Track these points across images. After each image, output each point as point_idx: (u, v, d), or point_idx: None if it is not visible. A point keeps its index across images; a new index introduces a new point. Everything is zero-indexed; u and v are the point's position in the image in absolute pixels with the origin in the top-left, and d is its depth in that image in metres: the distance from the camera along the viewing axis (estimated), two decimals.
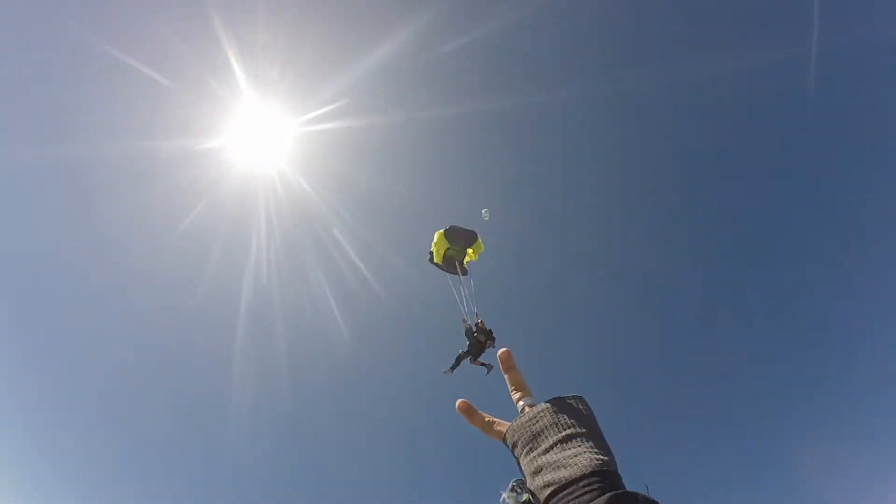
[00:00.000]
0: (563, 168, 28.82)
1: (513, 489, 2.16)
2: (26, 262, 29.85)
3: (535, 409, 0.95)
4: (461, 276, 9.74)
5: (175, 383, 30.64)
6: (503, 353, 1.08)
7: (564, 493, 0.80)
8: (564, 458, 0.84)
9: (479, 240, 9.81)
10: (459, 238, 9.67)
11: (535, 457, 0.88)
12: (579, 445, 0.86)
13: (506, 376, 1.08)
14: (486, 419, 1.02)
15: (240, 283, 27.90)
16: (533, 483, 0.88)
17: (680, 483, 25.27)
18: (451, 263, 9.77)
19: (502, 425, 0.99)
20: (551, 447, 0.87)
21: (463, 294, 9.63)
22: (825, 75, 22.53)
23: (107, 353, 30.50)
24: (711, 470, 26.58)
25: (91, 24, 24.44)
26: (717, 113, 26.38)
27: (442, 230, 9.67)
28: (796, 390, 26.07)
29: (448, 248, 9.64)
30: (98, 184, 28.06)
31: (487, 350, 9.59)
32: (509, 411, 1.03)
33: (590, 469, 0.80)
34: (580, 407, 0.95)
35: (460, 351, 9.53)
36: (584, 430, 0.89)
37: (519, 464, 0.93)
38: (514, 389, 1.05)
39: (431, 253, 9.88)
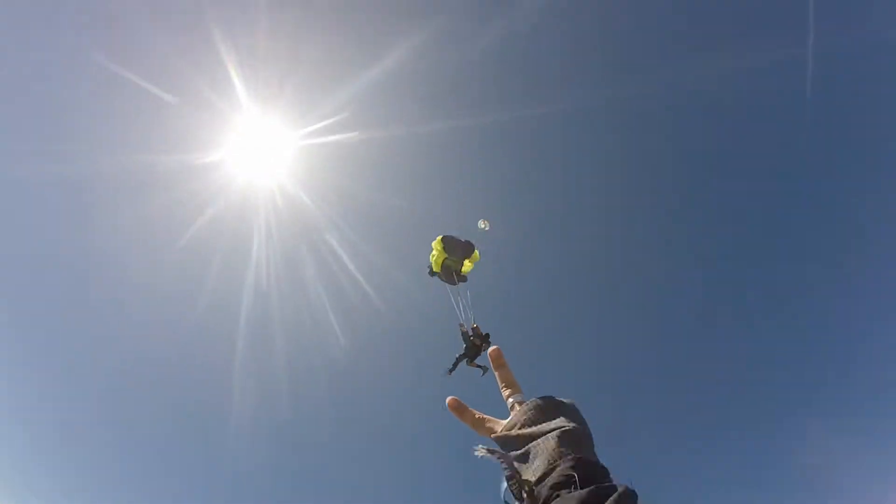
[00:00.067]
0: (563, 170, 29.17)
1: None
2: (27, 276, 29.96)
3: (524, 406, 0.97)
4: (458, 285, 10.03)
5: (175, 395, 30.56)
6: (493, 350, 1.12)
7: (547, 483, 0.81)
8: (548, 451, 0.86)
9: (476, 251, 10.07)
10: (457, 248, 9.97)
11: (523, 449, 0.90)
12: (564, 440, 0.88)
13: (496, 374, 1.10)
14: (477, 416, 1.04)
15: (240, 295, 27.96)
16: (521, 475, 0.89)
17: (680, 483, 25.35)
18: (449, 272, 10.03)
19: (492, 422, 1.01)
20: (538, 441, 0.89)
21: (460, 301, 10.02)
22: (823, 75, 22.91)
23: (107, 366, 30.43)
24: (711, 470, 26.59)
25: (91, 38, 24.92)
26: (716, 114, 26.73)
27: (440, 237, 9.97)
28: (796, 390, 26.18)
29: (446, 258, 9.90)
30: (98, 198, 28.34)
31: (483, 352, 9.91)
32: (505, 410, 1.06)
33: (572, 461, 0.82)
34: (568, 403, 0.98)
35: (457, 354, 9.96)
36: (572, 425, 0.91)
37: (507, 459, 0.94)
38: (505, 386, 1.07)
39: (430, 265, 10.21)
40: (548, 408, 0.96)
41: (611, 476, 0.84)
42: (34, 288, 30.10)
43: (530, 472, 0.87)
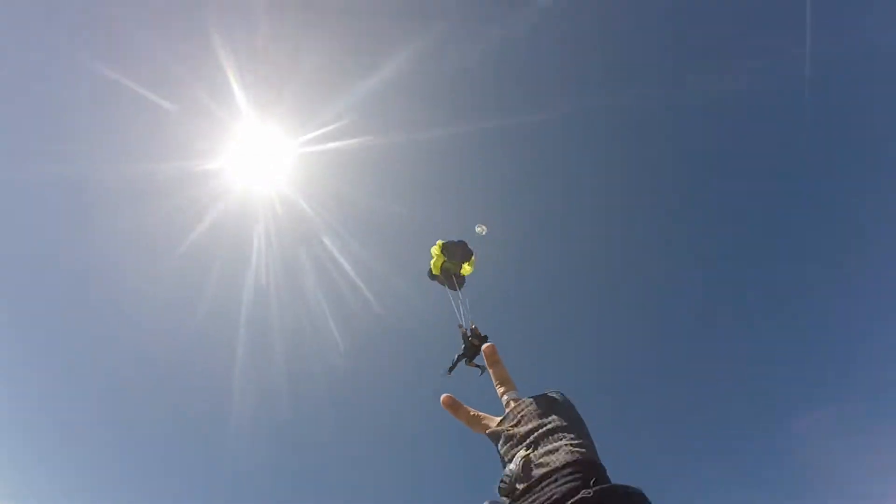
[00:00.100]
0: (562, 173, 29.39)
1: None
2: (28, 281, 30.09)
3: (519, 404, 0.96)
4: (458, 288, 10.40)
5: (176, 399, 30.65)
6: (487, 347, 1.11)
7: (545, 483, 0.79)
8: (546, 451, 0.85)
9: (475, 256, 10.39)
10: (456, 252, 10.30)
11: (518, 449, 0.88)
12: (561, 438, 0.86)
13: (490, 371, 1.10)
14: (472, 413, 1.03)
15: (239, 301, 28.04)
16: (515, 474, 0.87)
17: (680, 483, 25.43)
18: (448, 276, 10.37)
19: (487, 419, 1.00)
20: (534, 441, 0.88)
21: (459, 303, 10.41)
22: (821, 75, 23.15)
23: (108, 370, 30.53)
24: (711, 470, 26.63)
25: (91, 46, 25.09)
26: (715, 114, 26.96)
27: (440, 242, 10.28)
28: (796, 390, 26.28)
29: (445, 262, 10.21)
30: (99, 205, 28.47)
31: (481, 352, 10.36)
32: (500, 407, 1.04)
33: (571, 460, 0.81)
34: (563, 400, 0.97)
35: (456, 354, 10.29)
36: (566, 423, 0.90)
37: (502, 457, 0.93)
38: (499, 384, 1.06)
39: (430, 269, 10.53)
40: (543, 405, 0.95)
41: (608, 475, 0.83)
42: (35, 293, 30.31)
43: (525, 474, 0.85)
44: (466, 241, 10.46)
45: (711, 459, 26.74)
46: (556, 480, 0.79)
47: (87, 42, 25.20)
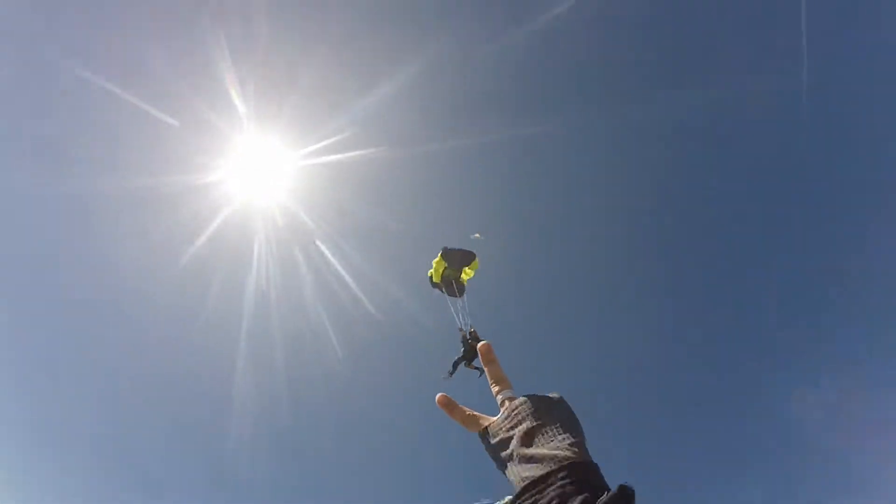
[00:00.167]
0: (564, 175, 29.50)
1: None
2: (28, 294, 30.19)
3: (513, 403, 0.97)
4: (459, 295, 10.62)
5: (177, 409, 30.63)
6: (483, 346, 1.09)
7: (539, 487, 0.80)
8: (539, 452, 0.85)
9: (476, 259, 10.55)
10: (456, 259, 10.47)
11: (512, 450, 0.89)
12: (555, 438, 0.87)
13: (486, 370, 1.09)
14: (467, 413, 1.03)
15: (240, 314, 28.16)
16: (509, 476, 0.88)
17: (680, 483, 25.25)
18: (449, 282, 10.56)
19: (483, 419, 1.00)
20: (529, 441, 0.88)
21: (458, 307, 10.67)
22: (818, 76, 23.20)
23: (109, 381, 30.65)
24: (711, 470, 26.38)
25: (90, 61, 25.41)
26: (713, 115, 26.96)
27: (440, 253, 10.44)
28: (796, 391, 25.89)
29: (445, 269, 10.38)
30: (100, 218, 28.73)
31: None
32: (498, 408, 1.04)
33: (566, 462, 0.81)
34: (557, 399, 0.97)
35: (456, 357, 10.47)
36: (560, 422, 0.90)
37: (496, 457, 0.94)
38: (494, 383, 1.06)
39: (430, 277, 10.70)
40: (537, 404, 0.95)
41: (601, 473, 0.84)
42: (36, 305, 30.43)
43: (520, 475, 0.86)
44: (468, 249, 10.61)
45: (711, 459, 26.57)
46: (551, 483, 0.79)
47: (86, 57, 25.57)
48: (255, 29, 24.99)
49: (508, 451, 0.89)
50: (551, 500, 0.77)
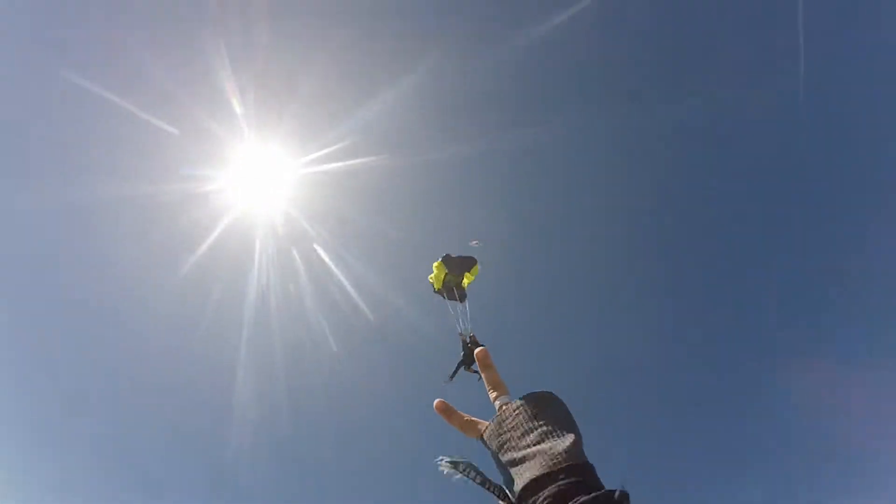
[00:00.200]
0: (563, 177, 29.44)
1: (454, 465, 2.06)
2: (27, 302, 30.17)
3: (510, 407, 0.97)
4: (460, 300, 10.72)
5: (177, 418, 30.40)
6: (479, 352, 1.11)
7: (537, 489, 0.81)
8: (536, 454, 0.86)
9: (477, 265, 10.63)
10: (455, 265, 10.55)
11: (510, 453, 0.90)
12: (550, 441, 0.88)
13: (483, 375, 1.10)
14: (465, 418, 1.04)
15: (240, 323, 28.03)
16: (507, 478, 0.90)
17: (680, 483, 25.18)
18: (450, 288, 10.64)
19: (481, 423, 1.01)
20: (526, 444, 0.89)
21: (459, 312, 10.79)
22: (817, 76, 23.19)
23: (107, 393, 30.46)
24: (711, 470, 26.21)
25: (90, 69, 25.48)
26: (712, 115, 26.86)
27: (440, 259, 10.52)
28: (795, 391, 25.80)
29: (446, 275, 10.45)
30: (100, 228, 28.77)
31: None
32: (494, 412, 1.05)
33: (563, 465, 0.82)
34: (553, 400, 0.98)
35: (457, 361, 10.58)
36: (556, 425, 0.91)
37: (496, 461, 0.95)
38: (491, 388, 1.07)
39: (432, 284, 10.79)
40: (533, 407, 0.95)
41: (597, 475, 0.84)
42: (35, 313, 30.35)
43: (517, 478, 0.87)
44: (468, 255, 10.70)
45: (711, 460, 26.45)
46: (549, 485, 0.80)
47: (90, 66, 25.69)
48: (256, 37, 25.07)
49: (506, 455, 0.90)
50: (550, 501, 0.78)
